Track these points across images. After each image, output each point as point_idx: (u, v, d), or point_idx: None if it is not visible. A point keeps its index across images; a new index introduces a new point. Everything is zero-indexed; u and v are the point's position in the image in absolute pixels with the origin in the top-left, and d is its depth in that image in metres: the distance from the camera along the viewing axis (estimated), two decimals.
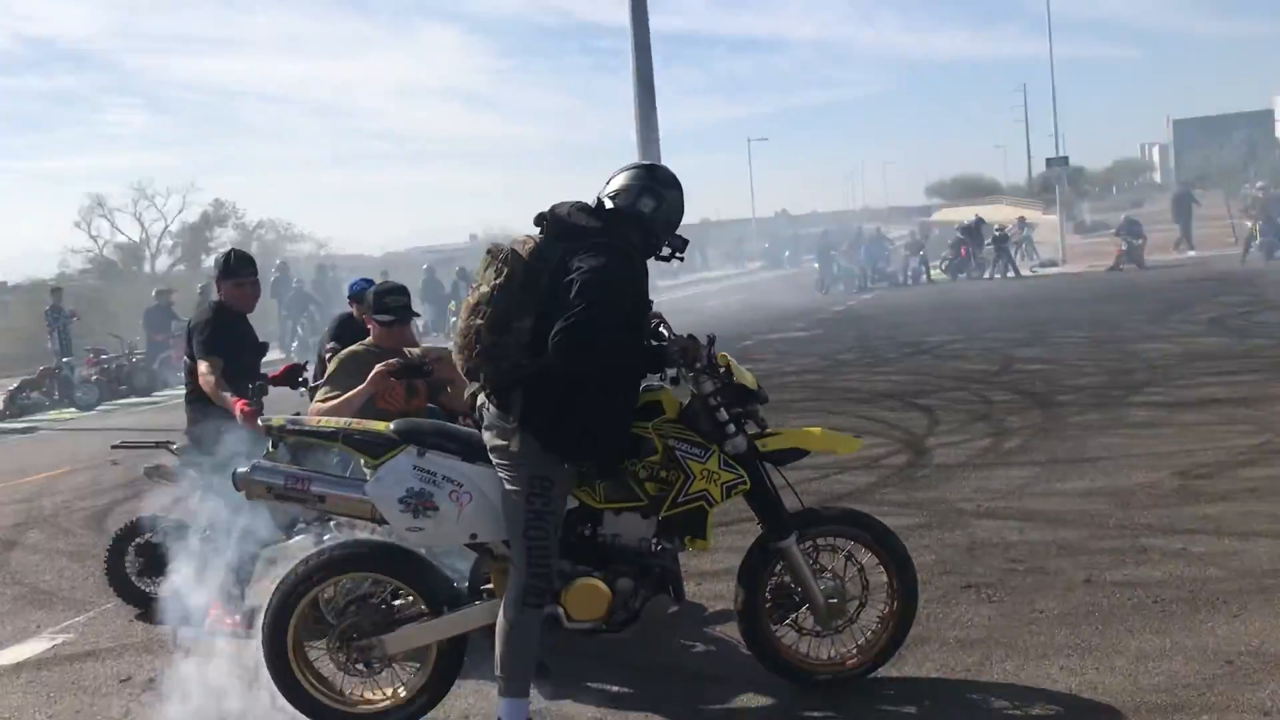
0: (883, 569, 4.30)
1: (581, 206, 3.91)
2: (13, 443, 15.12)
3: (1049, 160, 37.80)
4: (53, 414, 17.89)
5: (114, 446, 6.94)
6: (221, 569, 4.63)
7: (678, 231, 4.07)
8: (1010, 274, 31.03)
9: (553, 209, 3.92)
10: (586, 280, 3.67)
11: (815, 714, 4.08)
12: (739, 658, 4.66)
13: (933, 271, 33.68)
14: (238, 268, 5.89)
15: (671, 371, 4.07)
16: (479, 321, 3.75)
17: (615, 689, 4.42)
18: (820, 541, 4.31)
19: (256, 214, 56.99)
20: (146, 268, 52.04)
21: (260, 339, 6.09)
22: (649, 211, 3.93)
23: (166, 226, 54.33)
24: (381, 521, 4.02)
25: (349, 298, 6.90)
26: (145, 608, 5.60)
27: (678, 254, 4.08)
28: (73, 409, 17.93)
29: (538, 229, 3.90)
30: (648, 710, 4.21)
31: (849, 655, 4.32)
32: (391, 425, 4.08)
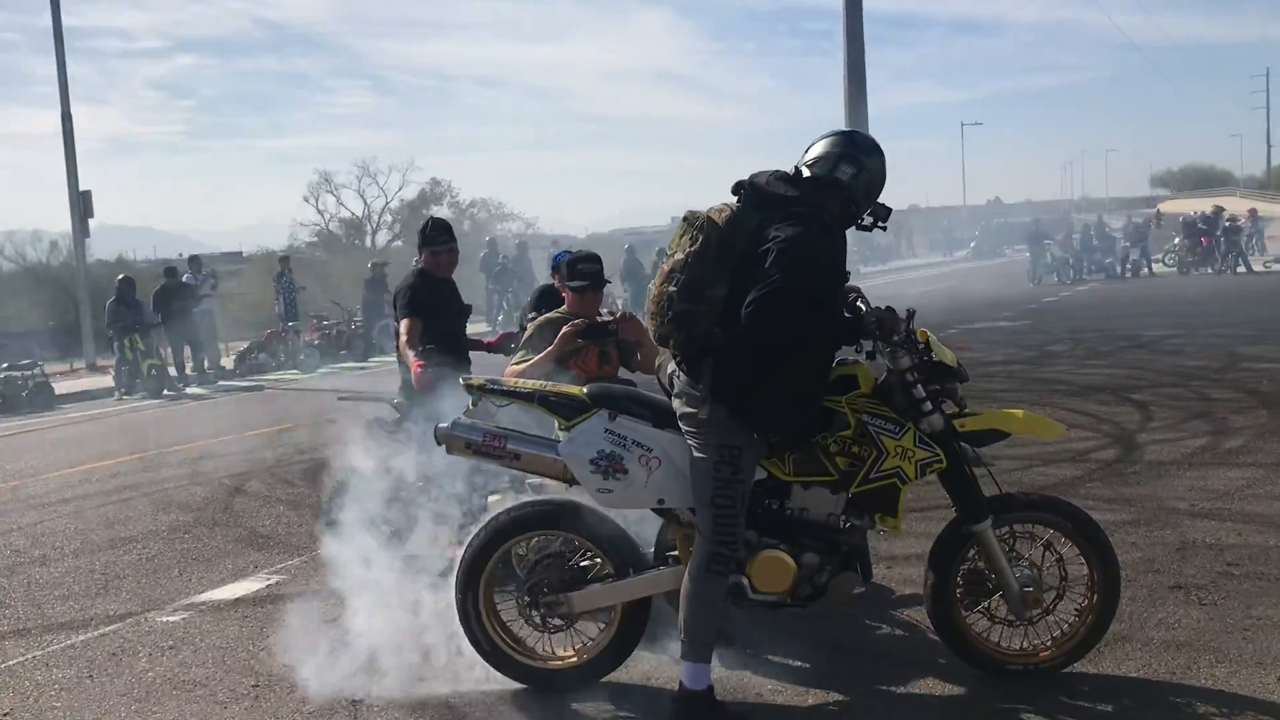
0: (1083, 560, 4.12)
1: (780, 175, 3.87)
2: (241, 399, 16.16)
3: None
4: (277, 374, 19.01)
5: (340, 399, 7.34)
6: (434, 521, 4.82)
7: (881, 200, 3.97)
8: (1240, 269, 29.15)
9: (751, 178, 3.89)
10: (783, 249, 3.62)
11: (1004, 705, 3.94)
12: (925, 643, 4.56)
13: (1155, 265, 31.99)
14: (434, 235, 6.19)
15: (868, 345, 3.99)
16: (672, 288, 3.75)
17: (796, 664, 4.39)
18: (1018, 528, 4.16)
19: (470, 193, 58.96)
20: (368, 242, 54.63)
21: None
22: (847, 179, 3.85)
23: (387, 203, 56.94)
24: (573, 482, 4.10)
25: (552, 268, 7.07)
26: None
27: (880, 223, 3.97)
28: (296, 371, 19.01)
29: (735, 198, 3.87)
30: (828, 688, 4.16)
31: (1043, 647, 4.16)
32: (585, 389, 4.15)
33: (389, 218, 57.21)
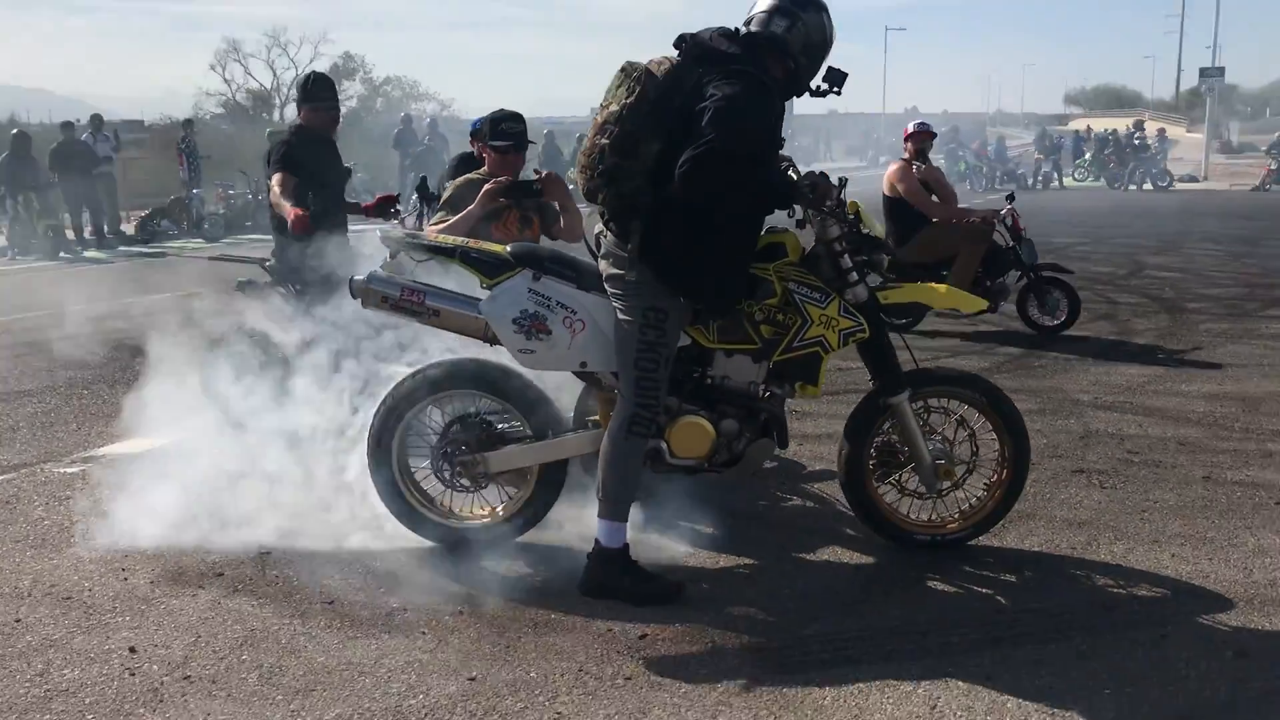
0: (995, 435, 4.19)
1: (723, 31, 3.74)
2: (142, 264, 15.62)
3: (1203, 70, 35.78)
4: (180, 243, 18.39)
5: (211, 259, 7.12)
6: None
7: (834, 66, 3.85)
8: (1148, 185, 29.77)
9: (694, 33, 3.77)
10: (720, 108, 3.52)
11: (909, 573, 4.02)
12: (835, 515, 4.64)
13: (1066, 179, 32.54)
14: (316, 90, 5.92)
15: (798, 214, 3.95)
16: (604, 141, 3.63)
17: (707, 530, 4.42)
18: (932, 402, 4.20)
19: (384, 70, 57.22)
20: (275, 115, 52.88)
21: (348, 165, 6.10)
22: (781, 32, 3.71)
23: (297, 75, 54.96)
24: (493, 342, 4.02)
25: (471, 134, 6.86)
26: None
27: (834, 88, 3.83)
28: (200, 239, 18.41)
29: (676, 51, 3.75)
30: (739, 554, 4.20)
31: (950, 520, 4.25)
32: (509, 248, 4.04)
33: (296, 92, 55.24)
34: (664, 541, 4.28)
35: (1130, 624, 3.62)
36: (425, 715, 3.06)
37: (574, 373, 4.04)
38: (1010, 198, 9.18)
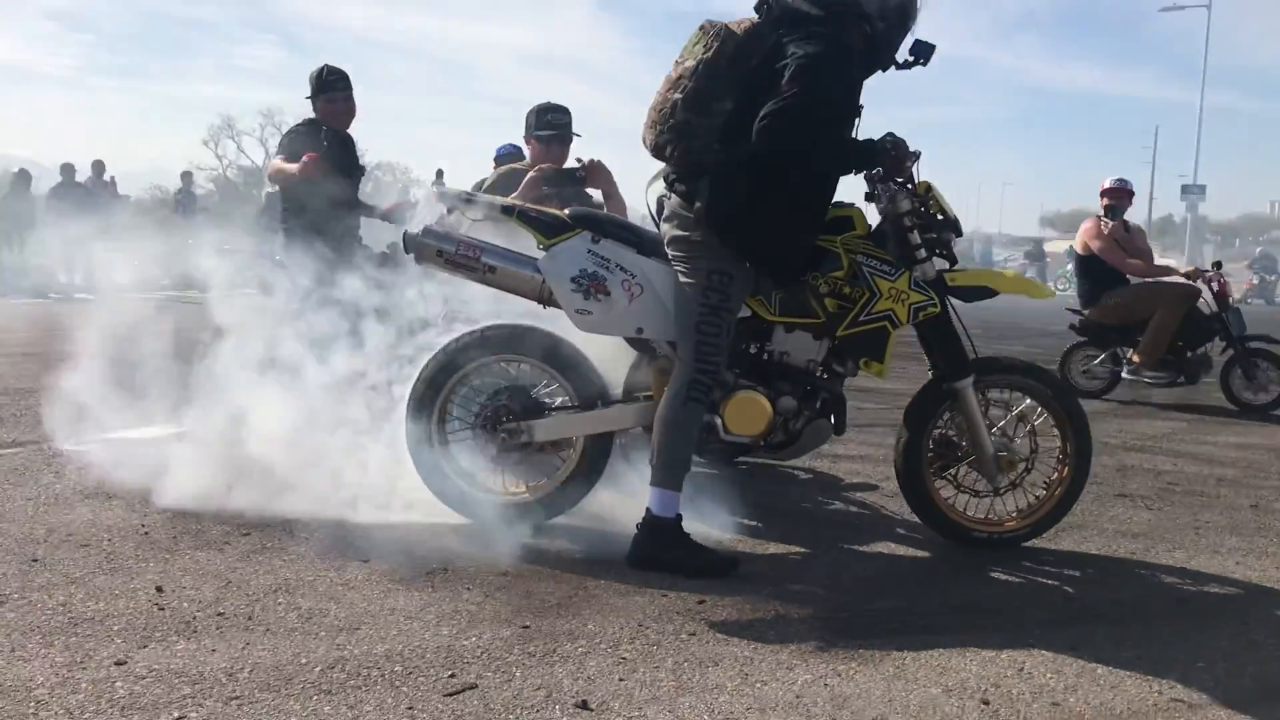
0: (1057, 430, 4.06)
1: None
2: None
3: (1184, 186, 36.48)
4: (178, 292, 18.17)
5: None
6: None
7: (922, 39, 3.78)
8: None
9: None
10: (802, 64, 3.45)
11: (969, 563, 3.85)
12: (882, 516, 4.50)
13: (1054, 285, 32.98)
14: (332, 80, 5.73)
15: (868, 186, 3.87)
16: (677, 96, 3.56)
17: (751, 523, 4.23)
18: (992, 395, 4.08)
19: (376, 156, 57.72)
20: (265, 192, 53.09)
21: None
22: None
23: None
24: (547, 303, 3.88)
25: (495, 160, 6.83)
26: None
27: (920, 60, 3.72)
28: (194, 290, 18.21)
29: (756, 14, 3.70)
30: (787, 543, 4.02)
31: (1008, 518, 4.09)
32: (567, 210, 3.94)
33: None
34: (704, 530, 4.09)
35: (1210, 614, 3.47)
36: (481, 654, 2.86)
37: (628, 339, 3.90)
38: (1218, 265, 8.50)
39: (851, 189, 3.94)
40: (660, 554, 3.59)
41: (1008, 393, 4.10)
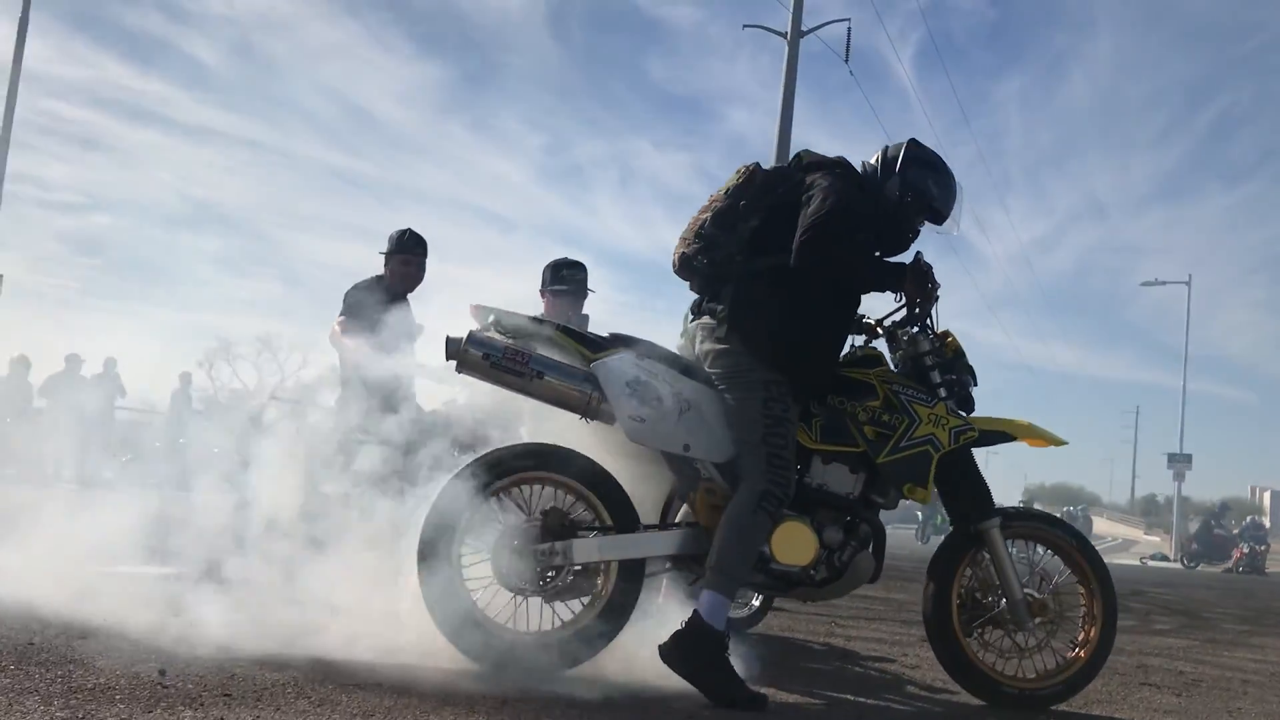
0: (1081, 587, 3.99)
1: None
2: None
3: (1171, 455, 36.86)
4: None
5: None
6: None
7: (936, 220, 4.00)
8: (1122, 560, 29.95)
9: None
10: (827, 187, 3.70)
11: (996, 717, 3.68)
12: (906, 678, 4.33)
13: None
14: (410, 244, 5.74)
15: (890, 320, 4.03)
16: (707, 215, 3.81)
17: (768, 677, 4.04)
18: (1015, 549, 4.01)
19: None
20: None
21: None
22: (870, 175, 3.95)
23: (282, 380, 55.68)
24: (590, 416, 3.79)
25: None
26: None
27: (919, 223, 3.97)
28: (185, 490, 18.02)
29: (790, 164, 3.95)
30: (800, 693, 3.83)
31: (1040, 676, 3.94)
32: (609, 333, 3.96)
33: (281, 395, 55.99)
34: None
35: None
36: None
37: (669, 460, 3.81)
38: None
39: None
40: (699, 662, 3.43)
41: (1030, 548, 4.03)
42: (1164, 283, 38.65)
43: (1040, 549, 4.04)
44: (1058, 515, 30.12)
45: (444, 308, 4.91)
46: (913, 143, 3.98)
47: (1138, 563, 31.84)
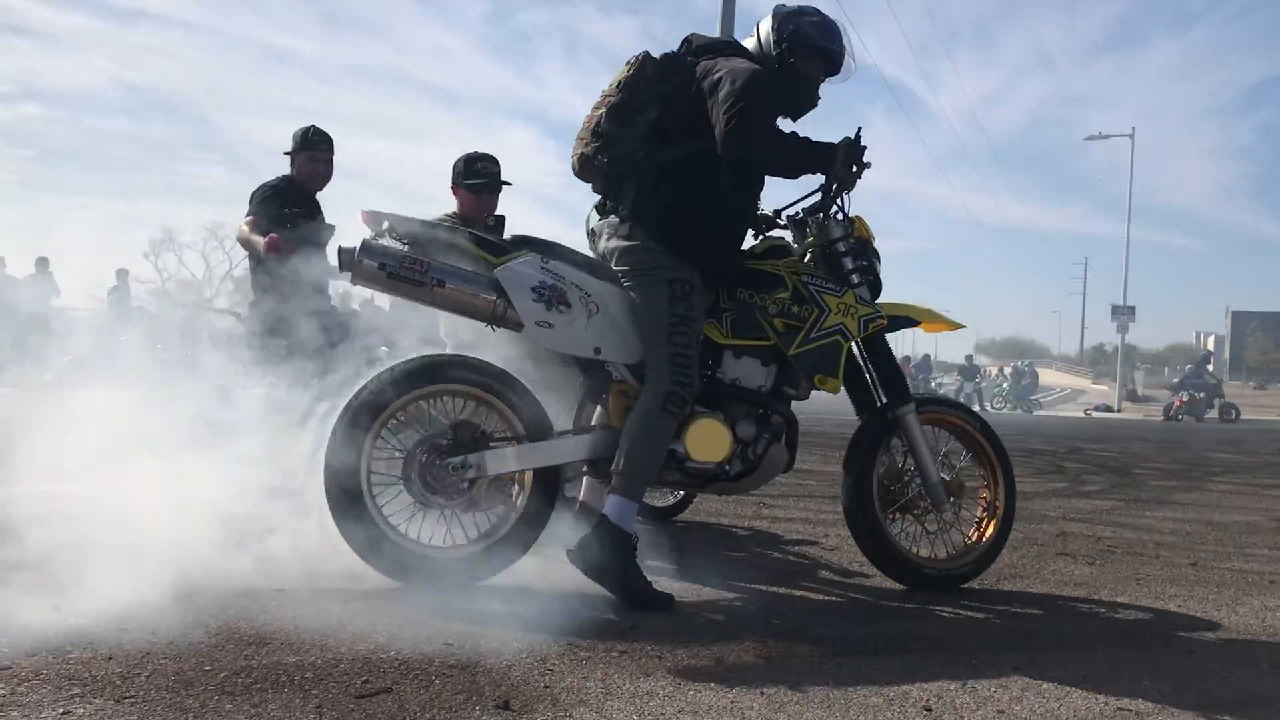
0: (983, 469, 4.06)
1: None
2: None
3: (1115, 307, 37.42)
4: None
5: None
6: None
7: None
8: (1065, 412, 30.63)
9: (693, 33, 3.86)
10: (730, 70, 3.58)
11: (910, 599, 3.72)
12: (823, 559, 4.39)
13: (989, 404, 33.42)
14: (316, 140, 5.55)
15: (799, 208, 3.99)
16: (601, 111, 3.67)
17: (681, 568, 4.08)
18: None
19: None
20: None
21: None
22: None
23: (230, 269, 54.51)
24: (497, 324, 3.70)
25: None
26: None
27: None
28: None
29: (678, 49, 3.81)
30: (722, 588, 3.88)
31: (952, 555, 4.03)
32: (510, 235, 3.87)
33: (230, 284, 55.08)
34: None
35: (1154, 642, 3.39)
36: (399, 665, 2.69)
37: (580, 364, 3.78)
38: None
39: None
40: (608, 564, 3.43)
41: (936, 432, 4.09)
42: (1108, 136, 38.59)
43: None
44: (1009, 369, 30.91)
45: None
46: (778, 4, 3.88)
47: (1082, 414, 32.64)
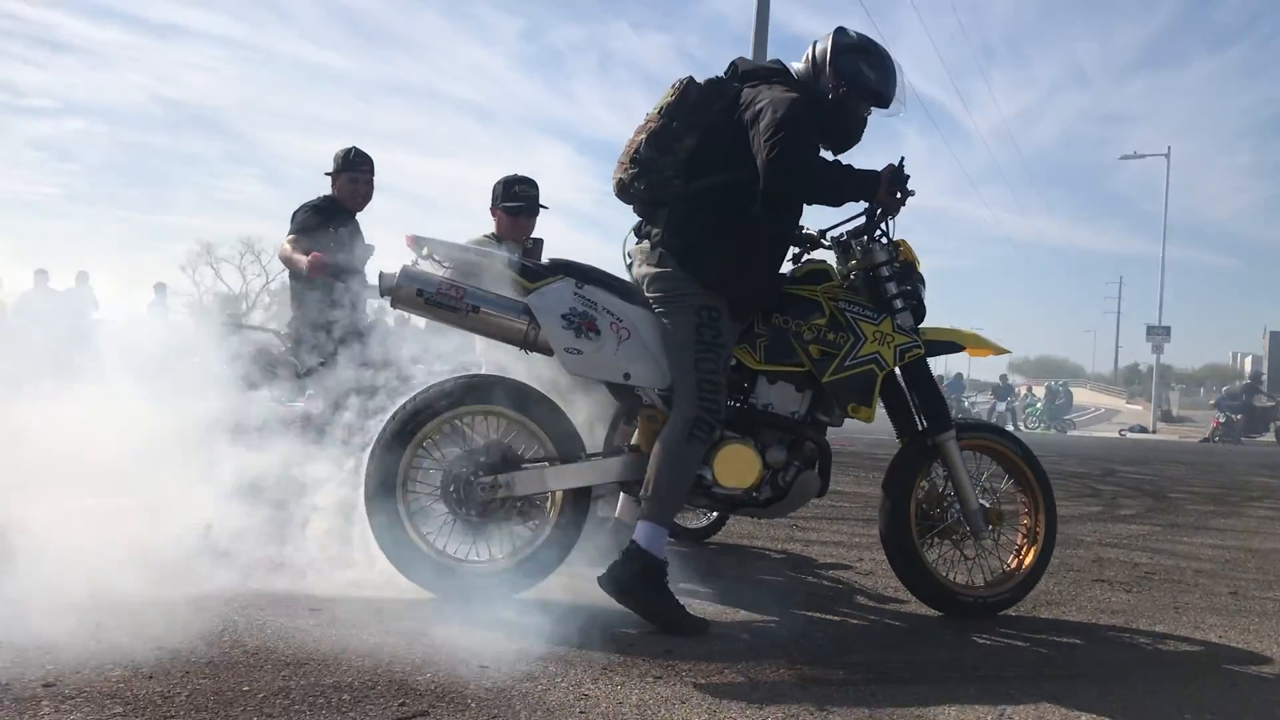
0: (1025, 495, 4.02)
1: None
2: None
3: (1150, 327, 37.06)
4: None
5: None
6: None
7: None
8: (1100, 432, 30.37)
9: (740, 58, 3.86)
10: (773, 99, 3.56)
11: (947, 625, 3.71)
12: (857, 585, 4.37)
13: (1022, 424, 33.17)
14: (358, 161, 5.66)
15: (843, 231, 3.95)
16: (642, 136, 3.68)
17: (714, 591, 4.08)
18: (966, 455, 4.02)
19: None
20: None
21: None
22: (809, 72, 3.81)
23: (267, 283, 55.07)
24: (530, 349, 3.75)
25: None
26: None
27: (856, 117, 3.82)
28: None
29: (724, 74, 3.81)
30: (757, 611, 3.86)
31: (991, 582, 4.00)
32: (547, 259, 3.89)
33: (266, 298, 55.53)
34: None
35: (1195, 674, 3.35)
36: (434, 689, 2.70)
37: (612, 389, 3.80)
38: None
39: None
40: (637, 590, 3.43)
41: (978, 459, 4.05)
42: (1143, 155, 38.37)
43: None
44: (1041, 388, 30.64)
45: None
46: (838, 31, 3.84)
47: (1116, 435, 32.33)
